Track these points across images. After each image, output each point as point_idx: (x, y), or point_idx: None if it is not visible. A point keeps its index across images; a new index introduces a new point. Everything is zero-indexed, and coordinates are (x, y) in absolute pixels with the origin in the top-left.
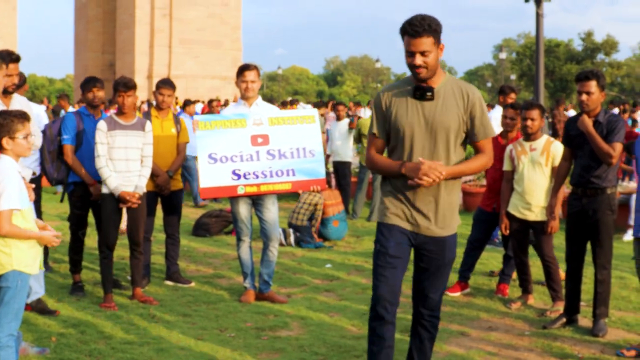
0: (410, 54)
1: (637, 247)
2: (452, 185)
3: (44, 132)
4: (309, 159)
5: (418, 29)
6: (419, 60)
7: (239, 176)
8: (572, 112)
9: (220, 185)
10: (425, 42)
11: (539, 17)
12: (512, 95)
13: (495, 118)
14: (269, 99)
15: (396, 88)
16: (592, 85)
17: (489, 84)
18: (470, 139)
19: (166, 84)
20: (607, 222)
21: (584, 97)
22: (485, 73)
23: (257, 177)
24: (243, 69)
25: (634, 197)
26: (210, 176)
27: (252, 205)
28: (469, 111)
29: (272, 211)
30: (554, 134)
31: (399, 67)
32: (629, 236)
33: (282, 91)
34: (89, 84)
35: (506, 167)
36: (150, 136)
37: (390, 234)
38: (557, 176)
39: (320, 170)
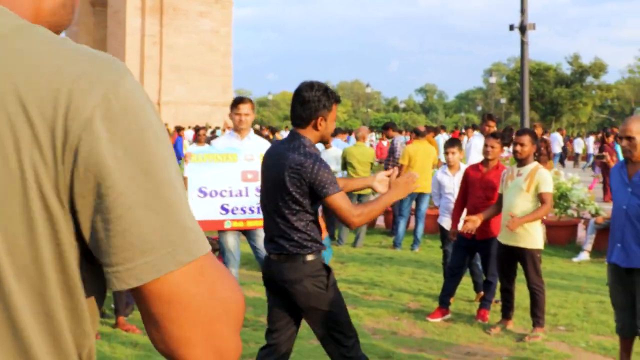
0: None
1: (609, 273)
2: None
3: None
4: None
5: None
6: None
7: (227, 211)
8: (556, 135)
9: (208, 219)
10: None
11: (523, 44)
12: (491, 123)
13: (475, 145)
14: (260, 124)
15: None
16: None
17: (479, 108)
18: None
19: None
20: None
21: None
22: (476, 97)
23: (245, 212)
24: (237, 102)
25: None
26: (199, 210)
27: (240, 235)
28: None
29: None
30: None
31: (389, 92)
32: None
33: (272, 116)
34: None
35: (500, 190)
36: None
37: None
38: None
39: None
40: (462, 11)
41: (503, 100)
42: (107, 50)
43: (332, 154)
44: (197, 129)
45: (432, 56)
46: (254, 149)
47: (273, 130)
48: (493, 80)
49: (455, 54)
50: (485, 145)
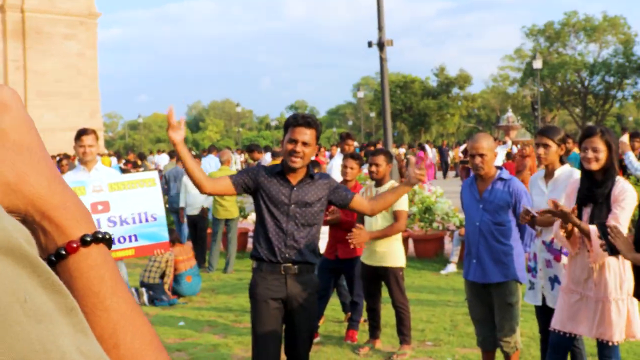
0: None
1: (467, 288)
2: None
3: None
4: (150, 224)
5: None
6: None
7: None
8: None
9: None
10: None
11: (382, 61)
12: (350, 142)
13: (337, 165)
14: (131, 148)
15: None
16: None
17: (350, 122)
18: None
19: None
20: None
21: None
22: (347, 111)
23: None
24: (80, 134)
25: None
26: None
27: None
28: None
29: (121, 273)
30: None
31: (261, 109)
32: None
33: (144, 139)
34: None
35: None
36: None
37: None
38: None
39: (163, 234)
40: (329, 26)
41: (372, 114)
42: None
43: None
44: (60, 159)
45: (302, 72)
46: (102, 179)
47: (142, 157)
48: (361, 94)
49: (325, 68)
50: (344, 167)
